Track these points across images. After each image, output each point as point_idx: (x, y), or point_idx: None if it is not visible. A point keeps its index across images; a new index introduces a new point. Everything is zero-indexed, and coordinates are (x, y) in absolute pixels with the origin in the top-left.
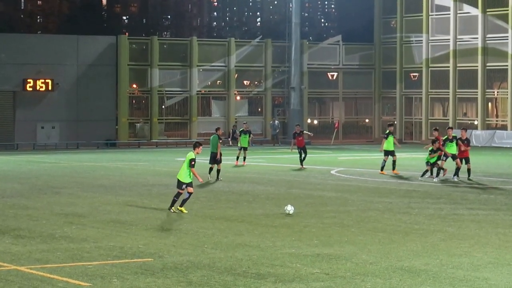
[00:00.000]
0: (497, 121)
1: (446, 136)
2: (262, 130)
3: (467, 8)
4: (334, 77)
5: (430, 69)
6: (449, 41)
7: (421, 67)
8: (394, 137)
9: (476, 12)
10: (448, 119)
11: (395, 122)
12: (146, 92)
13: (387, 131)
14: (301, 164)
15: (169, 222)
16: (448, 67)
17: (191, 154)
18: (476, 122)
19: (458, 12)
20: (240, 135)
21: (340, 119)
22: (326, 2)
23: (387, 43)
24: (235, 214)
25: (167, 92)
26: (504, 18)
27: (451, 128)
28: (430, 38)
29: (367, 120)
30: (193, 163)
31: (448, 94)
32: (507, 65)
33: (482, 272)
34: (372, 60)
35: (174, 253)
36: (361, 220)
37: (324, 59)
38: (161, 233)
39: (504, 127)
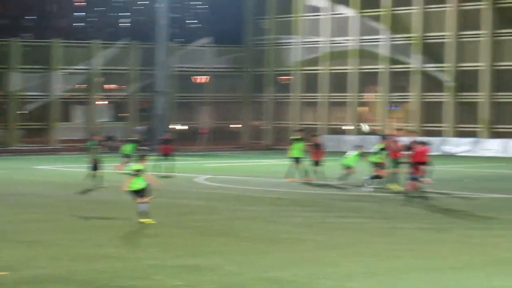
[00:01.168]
0: (370, 126)
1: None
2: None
3: (341, 9)
4: (203, 80)
5: (302, 72)
6: (322, 43)
7: (294, 70)
8: (304, 144)
9: (350, 13)
10: (319, 124)
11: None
12: (4, 96)
13: (294, 137)
14: (167, 171)
15: (26, 234)
16: (321, 70)
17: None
18: (348, 127)
19: (332, 13)
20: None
21: (208, 124)
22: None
23: (258, 45)
24: (96, 224)
25: (25, 97)
26: (379, 19)
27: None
28: (303, 40)
29: (236, 126)
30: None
31: (321, 98)
32: (381, 68)
33: (352, 282)
34: (242, 63)
35: (30, 266)
36: (227, 229)
37: (193, 62)
38: (17, 245)
39: (375, 132)
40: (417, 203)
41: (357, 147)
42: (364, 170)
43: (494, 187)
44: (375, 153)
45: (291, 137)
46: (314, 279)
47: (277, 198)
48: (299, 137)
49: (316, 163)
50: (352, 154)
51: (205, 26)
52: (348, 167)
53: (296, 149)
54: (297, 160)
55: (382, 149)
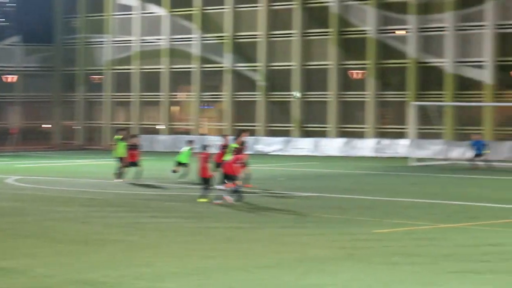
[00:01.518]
0: (181, 125)
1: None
2: None
3: (152, 8)
4: (12, 80)
5: (113, 71)
6: (133, 42)
7: (105, 70)
8: (126, 143)
9: (161, 12)
10: (132, 124)
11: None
12: None
13: (118, 137)
14: None
15: None
16: (133, 69)
17: None
18: (161, 127)
19: (143, 12)
20: None
21: (18, 125)
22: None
23: (69, 44)
24: None
25: None
26: (190, 18)
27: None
28: (114, 39)
29: (47, 126)
30: None
31: (133, 98)
32: (192, 67)
33: (165, 283)
34: (52, 62)
35: None
36: (39, 230)
37: (1, 61)
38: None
39: (189, 132)
40: (229, 203)
41: (189, 142)
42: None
43: (306, 185)
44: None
45: (115, 137)
46: (126, 280)
47: (91, 198)
48: (122, 136)
49: (133, 164)
50: (185, 150)
51: (13, 24)
52: (181, 164)
53: (120, 149)
54: (121, 159)
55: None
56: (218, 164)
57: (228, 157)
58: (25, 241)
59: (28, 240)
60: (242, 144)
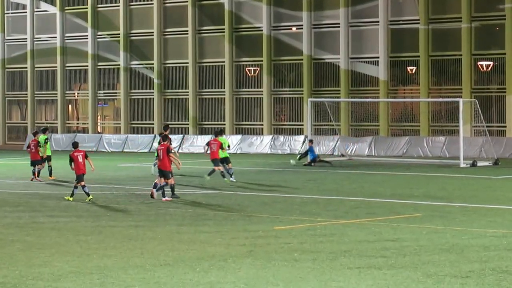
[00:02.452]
0: (78, 124)
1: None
2: None
3: (44, 6)
4: None
5: (6, 70)
6: (26, 41)
7: None
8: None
9: (54, 10)
10: (26, 123)
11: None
12: None
13: (44, 136)
14: None
15: None
16: (26, 68)
17: None
18: (56, 125)
19: (35, 10)
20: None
21: None
22: None
23: None
24: None
25: None
26: (83, 16)
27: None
28: (6, 38)
29: None
30: None
31: (26, 96)
32: (87, 66)
33: (63, 282)
34: None
35: None
36: None
37: None
38: None
39: (85, 130)
40: (127, 201)
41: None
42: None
43: (204, 183)
44: None
45: (41, 137)
46: (24, 280)
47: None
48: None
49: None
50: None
51: None
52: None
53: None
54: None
55: None
56: None
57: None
58: None
59: None
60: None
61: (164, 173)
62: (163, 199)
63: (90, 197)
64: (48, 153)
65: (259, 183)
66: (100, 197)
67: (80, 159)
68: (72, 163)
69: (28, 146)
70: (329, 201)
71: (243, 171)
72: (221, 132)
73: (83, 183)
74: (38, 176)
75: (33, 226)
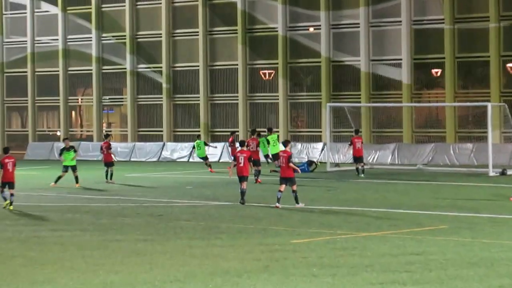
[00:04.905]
0: (82, 131)
1: None
2: None
3: (45, 6)
4: None
5: (5, 74)
6: (26, 43)
7: None
8: None
9: (55, 10)
10: (27, 131)
11: None
12: None
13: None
14: None
15: None
16: (26, 72)
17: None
18: (59, 133)
19: (36, 10)
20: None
21: None
22: None
23: None
24: None
25: None
26: (87, 17)
27: None
28: (5, 40)
29: None
30: None
31: (27, 103)
32: (91, 69)
33: None
34: None
35: None
36: None
37: None
38: None
39: (89, 138)
40: (135, 213)
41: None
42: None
43: (217, 194)
44: None
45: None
46: None
47: None
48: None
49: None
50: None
51: None
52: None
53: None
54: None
55: None
56: None
57: None
58: None
59: None
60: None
61: (287, 180)
62: (297, 205)
63: (11, 206)
64: (71, 163)
65: (276, 194)
66: (106, 209)
67: (10, 166)
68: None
69: (101, 149)
70: (350, 212)
71: (258, 184)
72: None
73: (12, 191)
74: (111, 178)
75: (35, 241)
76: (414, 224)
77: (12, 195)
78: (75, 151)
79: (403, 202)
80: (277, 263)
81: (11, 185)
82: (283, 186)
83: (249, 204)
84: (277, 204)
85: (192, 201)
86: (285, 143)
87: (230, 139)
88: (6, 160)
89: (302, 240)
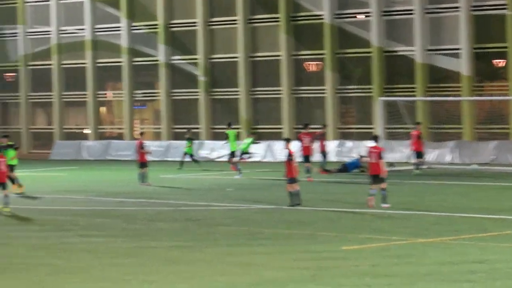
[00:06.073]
0: (112, 129)
1: None
2: None
3: None
4: None
5: (29, 67)
6: (51, 34)
7: (18, 66)
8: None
9: None
10: (53, 128)
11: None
12: None
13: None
14: None
15: None
16: (51, 65)
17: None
18: (87, 131)
19: None
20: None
21: None
22: None
23: None
24: None
25: None
26: (116, 5)
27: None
28: (28, 30)
29: None
30: None
31: (52, 98)
32: (121, 61)
33: None
34: None
35: None
36: None
37: None
38: None
39: (120, 136)
40: (171, 217)
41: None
42: None
43: (259, 196)
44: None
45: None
46: None
47: (9, 216)
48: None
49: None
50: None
51: None
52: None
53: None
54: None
55: None
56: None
57: None
58: None
59: None
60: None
61: (376, 178)
62: (383, 205)
63: (8, 209)
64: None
65: (323, 196)
66: (139, 213)
67: (2, 166)
68: None
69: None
70: (406, 217)
71: (305, 183)
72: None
73: (6, 192)
74: (144, 180)
75: (62, 248)
76: (477, 230)
77: (6, 196)
78: (15, 149)
79: (464, 205)
80: (326, 272)
81: (4, 185)
82: (382, 184)
83: (295, 208)
84: (384, 205)
85: (232, 204)
86: (375, 138)
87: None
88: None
89: (354, 247)
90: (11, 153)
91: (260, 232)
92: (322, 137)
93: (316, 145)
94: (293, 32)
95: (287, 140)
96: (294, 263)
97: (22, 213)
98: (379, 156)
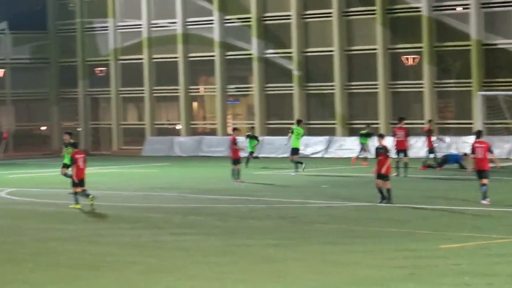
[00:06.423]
0: (204, 124)
1: None
2: None
3: None
4: (1, 74)
5: (119, 62)
6: (141, 27)
7: (109, 60)
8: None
9: None
10: (144, 124)
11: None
12: None
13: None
14: None
15: None
16: (142, 59)
17: None
18: (179, 127)
19: None
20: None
21: (9, 127)
22: None
23: (64, 31)
24: None
25: None
26: None
27: None
28: (118, 24)
29: (43, 128)
30: None
31: (143, 93)
32: (213, 55)
33: None
34: (46, 52)
35: None
36: (38, 253)
37: None
38: None
39: (213, 132)
40: (264, 215)
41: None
42: None
43: (355, 194)
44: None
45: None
46: None
47: (99, 213)
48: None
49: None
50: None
51: None
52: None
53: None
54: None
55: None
56: None
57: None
58: (23, 265)
59: (27, 265)
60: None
61: (482, 173)
62: (482, 202)
63: (91, 198)
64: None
65: (420, 193)
66: (233, 211)
67: (81, 162)
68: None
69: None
70: (507, 215)
71: (401, 179)
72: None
73: (83, 188)
74: (238, 177)
75: (155, 246)
76: None
77: (84, 190)
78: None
79: None
80: (424, 271)
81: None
82: (484, 179)
83: (391, 205)
84: (484, 201)
85: (327, 201)
86: (479, 134)
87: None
88: (77, 156)
89: (452, 245)
90: (70, 150)
91: (355, 230)
92: (429, 133)
93: (423, 141)
94: (389, 25)
95: (381, 136)
96: (389, 261)
97: (113, 211)
98: (487, 151)
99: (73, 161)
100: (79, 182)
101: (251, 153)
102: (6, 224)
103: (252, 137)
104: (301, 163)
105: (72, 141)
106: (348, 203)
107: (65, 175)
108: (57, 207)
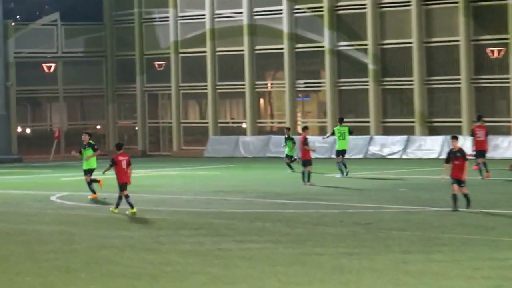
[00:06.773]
0: (272, 122)
1: None
2: None
3: None
4: (52, 69)
5: (181, 55)
6: (204, 18)
7: (169, 53)
8: None
9: None
10: (207, 122)
11: (136, 128)
12: None
13: None
14: None
15: None
16: (205, 52)
17: None
18: (244, 125)
19: None
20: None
21: (61, 126)
22: None
23: (121, 22)
24: None
25: None
26: None
27: None
28: (180, 14)
29: (98, 127)
30: None
31: (206, 89)
32: (282, 48)
33: None
34: (102, 45)
35: None
36: (92, 261)
37: (37, 45)
38: None
39: (281, 131)
40: (337, 221)
41: None
42: None
43: (436, 198)
44: None
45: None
46: None
47: (158, 219)
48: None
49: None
50: None
51: None
52: None
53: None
54: None
55: None
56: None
57: None
58: (76, 275)
59: (79, 274)
60: None
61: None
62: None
63: (134, 209)
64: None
65: (508, 197)
66: (303, 217)
67: (124, 165)
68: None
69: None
70: None
71: (487, 182)
72: None
73: (125, 192)
74: (308, 180)
75: (218, 254)
76: None
77: (127, 196)
78: (94, 149)
79: None
80: (511, 283)
81: (124, 186)
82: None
83: (475, 210)
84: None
85: (406, 206)
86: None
87: None
88: (120, 158)
89: None
90: (88, 152)
91: (436, 237)
92: None
93: (509, 140)
94: (473, 15)
95: (455, 138)
96: (475, 272)
97: (173, 216)
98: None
99: (115, 163)
100: (121, 186)
101: (290, 157)
102: (57, 231)
103: (290, 139)
104: (345, 166)
105: (91, 141)
106: (428, 208)
107: (92, 181)
108: (112, 212)
